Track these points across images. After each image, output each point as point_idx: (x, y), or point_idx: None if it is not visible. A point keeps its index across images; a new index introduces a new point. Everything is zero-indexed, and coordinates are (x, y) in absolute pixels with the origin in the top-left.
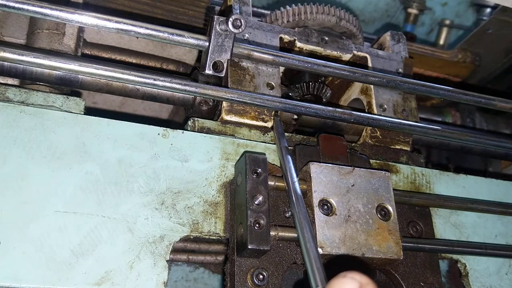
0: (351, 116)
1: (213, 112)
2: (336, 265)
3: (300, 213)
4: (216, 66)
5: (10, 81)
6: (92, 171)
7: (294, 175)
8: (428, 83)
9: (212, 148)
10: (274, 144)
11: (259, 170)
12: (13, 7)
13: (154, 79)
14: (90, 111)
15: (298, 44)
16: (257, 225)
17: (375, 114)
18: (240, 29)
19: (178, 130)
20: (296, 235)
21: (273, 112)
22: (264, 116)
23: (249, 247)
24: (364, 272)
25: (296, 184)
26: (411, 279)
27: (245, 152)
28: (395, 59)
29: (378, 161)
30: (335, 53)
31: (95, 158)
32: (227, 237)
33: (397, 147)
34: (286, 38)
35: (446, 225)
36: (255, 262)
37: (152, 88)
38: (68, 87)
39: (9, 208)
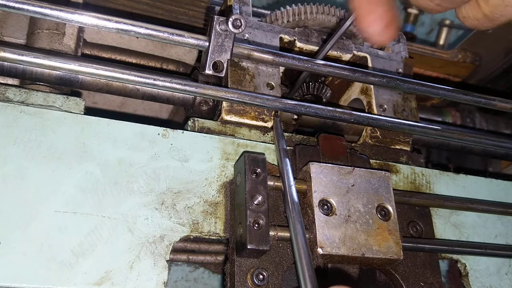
0: (351, 116)
1: (213, 112)
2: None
3: (296, 218)
4: (216, 66)
5: (10, 81)
6: (92, 171)
7: (292, 179)
8: (428, 83)
9: (212, 148)
10: (274, 144)
11: (259, 170)
12: (13, 7)
13: (154, 79)
14: (90, 111)
15: (298, 44)
16: (256, 225)
17: (375, 114)
18: (240, 29)
19: (178, 130)
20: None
21: (273, 112)
22: (264, 116)
23: (248, 247)
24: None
25: (293, 188)
26: (411, 279)
27: (245, 152)
28: (395, 59)
29: (378, 161)
30: (335, 53)
31: (95, 158)
32: (227, 237)
33: (397, 147)
34: (286, 38)
35: (446, 225)
36: (255, 262)
37: (152, 88)
38: (68, 87)
39: (9, 208)
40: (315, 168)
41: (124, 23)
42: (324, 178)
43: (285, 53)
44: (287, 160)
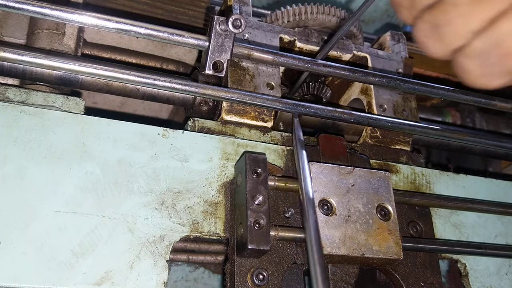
0: (351, 116)
1: (213, 112)
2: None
3: (311, 220)
4: (216, 66)
5: (10, 81)
6: (92, 171)
7: (309, 181)
8: (428, 83)
9: (212, 148)
10: (274, 144)
11: (259, 170)
12: (13, 7)
13: (154, 79)
14: (90, 111)
15: (298, 44)
16: (257, 225)
17: (375, 114)
18: (240, 29)
19: (178, 130)
20: (296, 235)
21: (273, 112)
22: (264, 116)
23: (249, 247)
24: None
25: (310, 192)
26: (411, 279)
27: (245, 152)
28: (395, 59)
29: (378, 161)
30: (335, 53)
31: (95, 158)
32: (227, 237)
33: (397, 147)
34: (286, 38)
35: (446, 225)
36: (255, 262)
37: (152, 88)
38: (68, 87)
39: (9, 208)
40: (315, 168)
41: (124, 23)
42: (324, 178)
43: (285, 53)
44: (305, 160)
